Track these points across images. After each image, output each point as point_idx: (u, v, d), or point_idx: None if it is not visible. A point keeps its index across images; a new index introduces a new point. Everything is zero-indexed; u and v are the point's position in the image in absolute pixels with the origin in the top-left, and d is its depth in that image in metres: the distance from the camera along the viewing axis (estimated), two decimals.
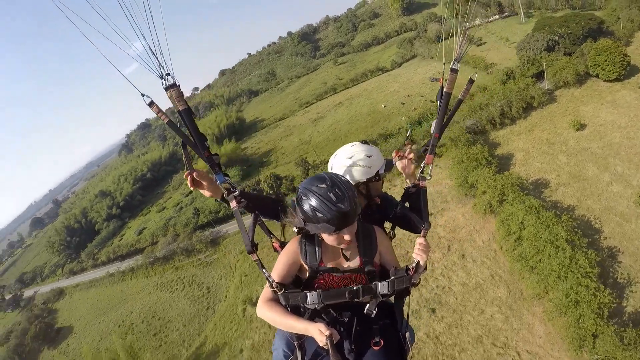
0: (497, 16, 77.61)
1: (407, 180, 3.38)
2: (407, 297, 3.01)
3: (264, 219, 3.10)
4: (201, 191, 2.77)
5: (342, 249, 2.79)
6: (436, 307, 25.73)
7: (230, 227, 47.66)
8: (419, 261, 2.78)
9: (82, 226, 79.71)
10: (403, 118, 51.69)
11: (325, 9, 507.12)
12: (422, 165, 3.16)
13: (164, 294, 45.20)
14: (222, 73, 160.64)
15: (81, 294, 60.95)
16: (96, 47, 2.41)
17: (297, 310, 2.73)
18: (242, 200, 2.78)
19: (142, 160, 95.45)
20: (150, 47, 2.33)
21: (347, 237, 2.60)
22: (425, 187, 3.17)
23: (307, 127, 65.91)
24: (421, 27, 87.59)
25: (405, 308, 3.03)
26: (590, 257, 22.78)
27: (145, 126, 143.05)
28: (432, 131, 3.09)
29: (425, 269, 2.86)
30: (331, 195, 2.45)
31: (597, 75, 42.69)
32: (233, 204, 2.72)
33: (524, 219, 26.22)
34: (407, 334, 2.89)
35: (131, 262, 56.15)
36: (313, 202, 2.47)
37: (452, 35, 3.08)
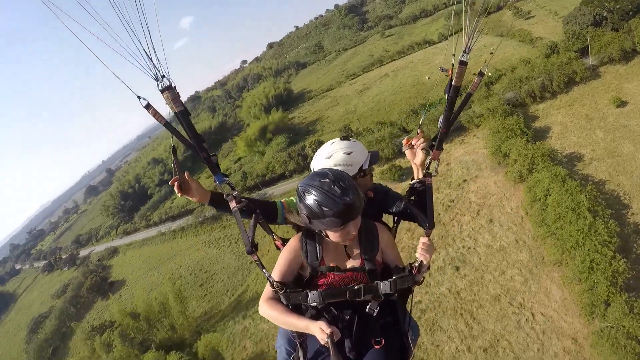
0: None
1: (416, 172, 3.27)
2: (410, 295, 3.03)
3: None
4: (189, 197, 2.84)
5: (345, 246, 2.86)
6: (460, 266, 26.79)
7: (277, 189, 49.87)
8: (422, 260, 2.81)
9: (135, 191, 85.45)
10: (428, 77, 52.67)
11: None
12: (428, 160, 3.06)
13: (211, 250, 48.20)
14: (270, 46, 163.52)
15: (133, 251, 65.36)
16: (89, 48, 2.39)
17: (298, 309, 2.78)
18: (242, 200, 2.86)
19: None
20: (144, 49, 2.32)
21: (352, 231, 2.65)
22: (431, 183, 3.07)
23: (353, 98, 67.12)
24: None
25: (407, 306, 3.07)
26: (610, 227, 22.87)
27: (195, 98, 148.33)
28: (439, 125, 2.99)
29: (428, 267, 2.89)
30: (335, 188, 2.49)
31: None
32: (232, 204, 2.79)
33: (549, 186, 26.66)
34: (410, 332, 2.92)
35: (182, 222, 59.68)
36: (318, 197, 2.50)
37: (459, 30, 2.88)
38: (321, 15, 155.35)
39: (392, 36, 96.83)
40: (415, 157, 3.17)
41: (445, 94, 2.87)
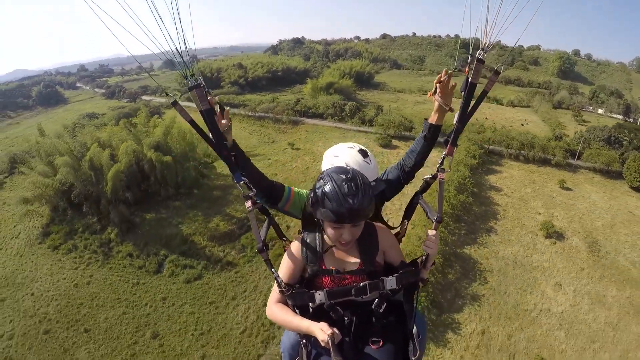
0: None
1: (433, 115, 3.27)
2: (416, 292, 3.08)
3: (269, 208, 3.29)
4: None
5: (344, 249, 2.98)
6: None
7: (310, 121, 67.89)
8: (428, 254, 2.98)
9: (212, 77, 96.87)
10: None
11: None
12: (442, 156, 3.12)
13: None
14: (383, 36, 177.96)
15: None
16: (123, 44, 2.58)
17: (305, 310, 2.88)
18: (258, 202, 3.02)
19: (280, 60, 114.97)
20: (176, 48, 2.51)
21: (345, 236, 2.76)
22: (444, 178, 3.15)
23: (409, 104, 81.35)
24: None
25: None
26: None
27: (297, 41, 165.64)
28: (454, 122, 3.08)
29: (434, 263, 3.05)
30: (345, 186, 2.61)
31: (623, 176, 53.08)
32: (248, 204, 2.87)
33: None
34: (415, 329, 2.95)
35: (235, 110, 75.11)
36: (327, 187, 2.65)
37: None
38: (440, 36, 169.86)
39: (481, 84, 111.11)
40: (444, 97, 3.17)
41: (461, 92, 3.05)
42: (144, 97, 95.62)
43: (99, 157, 41.73)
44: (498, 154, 56.40)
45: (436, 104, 3.24)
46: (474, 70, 2.98)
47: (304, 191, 3.34)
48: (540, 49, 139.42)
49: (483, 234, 40.36)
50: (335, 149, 3.52)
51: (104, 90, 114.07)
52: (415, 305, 3.03)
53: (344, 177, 2.68)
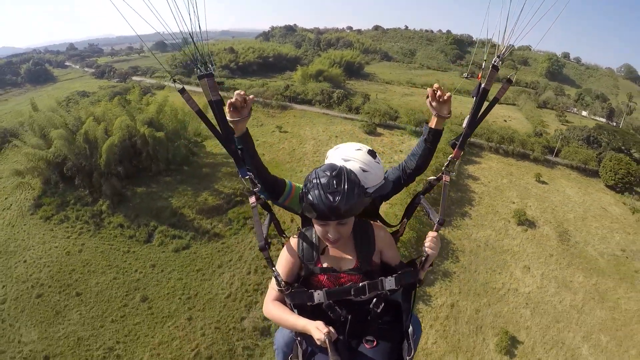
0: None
1: (432, 119, 3.35)
2: (414, 292, 3.11)
3: (271, 203, 3.39)
4: (232, 118, 2.85)
5: (334, 247, 3.02)
6: None
7: (299, 106, 70.15)
8: (428, 255, 2.98)
9: (202, 58, 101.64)
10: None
11: None
12: (448, 159, 3.18)
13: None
14: (375, 28, 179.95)
15: (176, 96, 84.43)
16: (134, 29, 2.67)
17: (302, 309, 2.90)
18: (262, 198, 3.06)
19: (272, 47, 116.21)
20: (189, 34, 2.50)
21: (330, 233, 2.79)
22: (448, 181, 3.23)
23: (397, 95, 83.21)
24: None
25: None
26: None
27: (289, 28, 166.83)
28: (463, 126, 3.15)
29: (432, 264, 3.08)
30: (327, 183, 2.65)
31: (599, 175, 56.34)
32: (252, 199, 2.90)
33: None
34: (411, 329, 3.02)
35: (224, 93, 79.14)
36: (312, 183, 2.71)
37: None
38: (431, 31, 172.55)
39: (468, 79, 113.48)
40: (441, 109, 3.20)
41: (472, 97, 3.07)
42: (134, 78, 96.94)
43: (94, 131, 43.31)
44: (479, 146, 58.74)
45: (433, 111, 3.30)
46: (489, 76, 2.99)
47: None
48: (530, 49, 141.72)
49: (458, 217, 42.80)
50: (343, 151, 3.40)
51: (93, 70, 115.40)
52: (412, 304, 3.10)
53: (329, 173, 2.72)
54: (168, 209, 40.97)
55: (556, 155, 59.78)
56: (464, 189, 46.85)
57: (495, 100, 3.07)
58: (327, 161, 3.36)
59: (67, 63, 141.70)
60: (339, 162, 3.18)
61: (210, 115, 2.90)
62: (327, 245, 3.02)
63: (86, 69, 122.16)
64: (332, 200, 2.60)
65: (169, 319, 30.77)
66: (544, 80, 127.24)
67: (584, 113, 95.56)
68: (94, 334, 29.76)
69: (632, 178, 54.56)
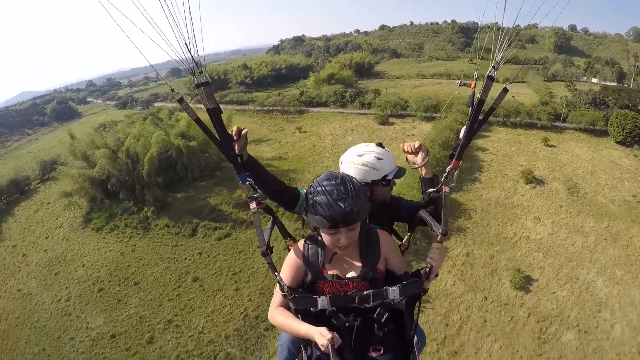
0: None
1: (421, 170, 3.72)
2: (418, 301, 3.21)
3: (276, 206, 3.51)
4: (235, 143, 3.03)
5: (342, 254, 3.06)
6: None
7: (314, 109, 75.51)
8: (432, 266, 3.03)
9: (219, 79, 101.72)
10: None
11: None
12: (447, 170, 3.22)
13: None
14: (382, 27, 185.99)
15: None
16: (130, 39, 2.59)
17: (306, 315, 2.92)
18: (262, 202, 3.12)
19: (283, 59, 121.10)
20: (185, 43, 2.51)
21: (342, 240, 2.85)
22: (449, 192, 3.25)
23: (407, 88, 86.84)
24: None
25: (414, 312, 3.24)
26: None
27: (298, 39, 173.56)
28: (461, 136, 3.20)
29: (436, 275, 3.09)
30: (335, 191, 2.75)
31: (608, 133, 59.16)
32: (253, 205, 3.00)
33: None
34: (415, 339, 3.08)
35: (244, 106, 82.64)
36: (318, 195, 2.80)
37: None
38: (437, 23, 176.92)
39: (474, 65, 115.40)
40: (418, 161, 3.63)
41: (468, 107, 3.15)
42: (156, 104, 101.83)
43: (134, 147, 49.16)
44: (488, 122, 62.23)
45: (414, 163, 3.69)
46: (484, 87, 2.99)
47: None
48: (537, 27, 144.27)
49: (468, 183, 46.99)
50: (355, 150, 3.69)
51: (115, 102, 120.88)
52: (417, 314, 3.21)
53: (332, 182, 2.82)
54: (207, 207, 46.22)
55: (564, 121, 62.65)
56: (473, 159, 50.60)
57: (492, 110, 3.11)
58: (342, 165, 3.69)
59: (88, 99, 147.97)
60: (354, 161, 3.56)
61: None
62: (334, 253, 3.06)
63: (108, 102, 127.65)
64: (343, 206, 2.71)
65: (219, 292, 35.78)
66: (552, 55, 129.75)
67: (594, 80, 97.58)
68: (154, 312, 34.76)
69: None
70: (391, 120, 65.39)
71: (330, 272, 3.03)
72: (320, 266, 3.04)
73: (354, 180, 2.93)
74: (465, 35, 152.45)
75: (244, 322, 32.87)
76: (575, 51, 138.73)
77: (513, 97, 74.96)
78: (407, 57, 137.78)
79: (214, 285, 36.63)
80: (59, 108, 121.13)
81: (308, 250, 3.10)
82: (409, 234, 3.94)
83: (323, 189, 2.80)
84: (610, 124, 59.76)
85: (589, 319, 33.20)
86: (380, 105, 68.30)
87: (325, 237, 2.91)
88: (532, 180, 47.84)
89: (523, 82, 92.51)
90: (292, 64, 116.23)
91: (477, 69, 3.45)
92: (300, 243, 3.19)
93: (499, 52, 2.94)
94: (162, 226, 44.61)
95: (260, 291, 35.38)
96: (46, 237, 46.17)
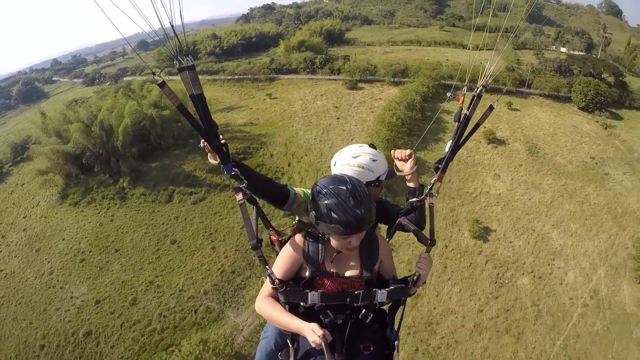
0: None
1: (408, 181, 3.80)
2: (402, 306, 3.32)
3: (262, 200, 3.33)
4: (214, 161, 3.00)
5: (346, 254, 3.10)
6: None
7: (284, 76, 76.73)
8: (420, 274, 3.17)
9: (188, 50, 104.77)
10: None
11: None
12: (431, 182, 3.40)
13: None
14: None
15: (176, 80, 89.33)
16: (109, 18, 2.51)
17: (295, 309, 2.97)
18: (247, 193, 3.01)
19: (253, 27, 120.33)
20: (170, 22, 2.42)
21: (354, 242, 2.92)
22: (433, 203, 3.43)
23: (377, 54, 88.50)
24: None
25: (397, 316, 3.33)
26: None
27: (268, 7, 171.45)
28: (446, 150, 3.39)
29: (424, 282, 3.24)
30: (350, 199, 2.74)
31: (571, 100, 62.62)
32: (239, 196, 2.93)
33: None
34: (397, 342, 3.20)
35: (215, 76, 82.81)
36: (330, 202, 2.75)
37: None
38: None
39: (448, 32, 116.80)
40: (406, 169, 3.74)
41: (455, 122, 3.37)
42: (126, 79, 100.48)
43: (108, 118, 50.27)
44: (455, 87, 64.59)
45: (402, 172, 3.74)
46: (472, 105, 3.22)
47: (308, 191, 3.39)
48: None
49: (432, 143, 49.50)
50: (349, 151, 3.66)
51: (82, 79, 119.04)
52: (402, 318, 3.35)
53: (344, 188, 2.81)
54: (182, 174, 48.03)
55: (529, 87, 65.50)
56: (438, 121, 52.73)
57: (477, 126, 3.28)
58: (335, 166, 3.63)
59: (54, 78, 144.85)
60: (349, 163, 3.55)
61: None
62: (337, 252, 3.08)
63: (75, 80, 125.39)
64: (360, 213, 2.73)
65: (197, 252, 38.02)
66: (524, 24, 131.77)
67: (563, 49, 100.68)
68: (135, 275, 36.78)
69: (602, 98, 61.17)
70: (360, 85, 67.07)
71: (329, 269, 3.10)
72: (320, 263, 3.08)
73: (362, 184, 3.01)
74: (438, 3, 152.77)
75: (221, 277, 35.22)
76: (548, 21, 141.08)
77: (480, 63, 77.19)
78: (378, 24, 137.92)
79: (192, 246, 38.74)
80: (24, 89, 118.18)
81: (308, 246, 3.11)
82: (387, 239, 3.87)
83: (336, 196, 2.80)
84: (574, 91, 63.19)
85: (544, 266, 36.47)
86: (349, 71, 69.78)
87: (335, 242, 2.96)
88: (494, 140, 50.67)
89: (491, 49, 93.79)
90: (262, 32, 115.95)
91: (466, 85, 3.68)
92: (299, 238, 3.19)
93: (484, 78, 3.34)
94: (139, 195, 46.24)
95: (235, 248, 37.72)
96: (24, 217, 47.25)
